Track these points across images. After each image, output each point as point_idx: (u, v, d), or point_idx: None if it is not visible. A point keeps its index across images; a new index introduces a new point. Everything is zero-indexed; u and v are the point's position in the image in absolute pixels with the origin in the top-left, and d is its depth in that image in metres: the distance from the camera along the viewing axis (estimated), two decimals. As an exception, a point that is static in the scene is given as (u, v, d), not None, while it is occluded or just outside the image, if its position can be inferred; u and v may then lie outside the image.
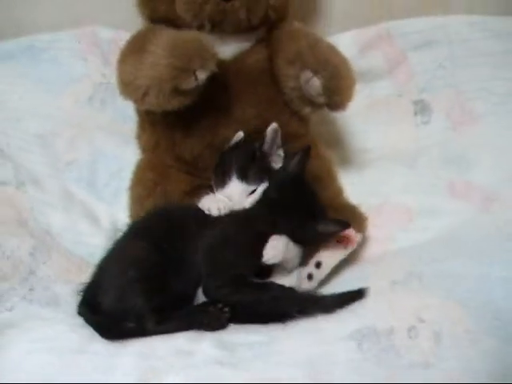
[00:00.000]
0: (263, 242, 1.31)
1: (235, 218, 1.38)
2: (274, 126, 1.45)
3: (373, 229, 1.56)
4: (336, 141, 1.81)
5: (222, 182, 1.43)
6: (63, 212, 1.60)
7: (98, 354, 1.14)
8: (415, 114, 1.82)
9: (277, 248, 1.30)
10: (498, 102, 1.75)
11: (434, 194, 1.65)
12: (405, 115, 1.83)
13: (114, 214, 1.65)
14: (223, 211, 1.38)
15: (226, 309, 1.25)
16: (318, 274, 1.38)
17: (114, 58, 1.63)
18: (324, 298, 1.28)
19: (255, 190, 1.42)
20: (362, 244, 1.53)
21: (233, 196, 1.41)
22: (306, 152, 1.40)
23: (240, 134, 1.47)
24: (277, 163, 1.47)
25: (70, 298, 1.33)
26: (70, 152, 1.69)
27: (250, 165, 1.43)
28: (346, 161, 1.77)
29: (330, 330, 1.17)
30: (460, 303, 1.18)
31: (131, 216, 1.56)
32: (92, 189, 1.68)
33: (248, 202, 1.41)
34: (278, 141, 1.47)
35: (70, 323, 1.24)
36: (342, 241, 1.39)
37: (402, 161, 1.74)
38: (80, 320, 1.26)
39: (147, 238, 1.32)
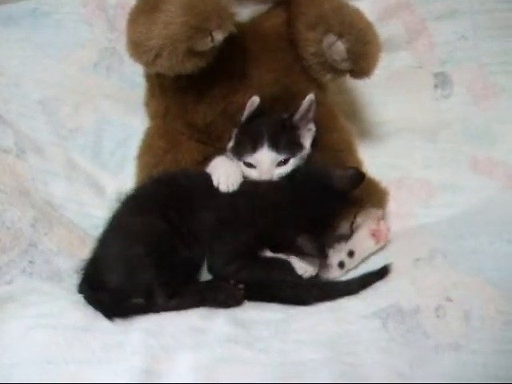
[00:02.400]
0: (273, 216, 1.26)
1: (246, 188, 1.32)
2: (311, 96, 1.38)
3: (392, 204, 1.52)
4: (353, 112, 1.75)
5: (250, 148, 1.36)
6: (66, 182, 1.55)
7: (105, 331, 1.07)
8: (435, 86, 1.76)
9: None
10: (522, 76, 1.69)
11: (456, 169, 1.61)
12: (424, 87, 1.77)
13: (120, 184, 1.59)
14: (232, 188, 1.31)
15: (241, 285, 1.19)
16: (349, 263, 1.31)
17: (121, 23, 1.60)
18: (348, 282, 1.23)
19: (286, 162, 1.36)
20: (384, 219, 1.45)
21: (263, 164, 1.35)
22: (359, 178, 1.32)
23: (256, 100, 1.38)
24: (306, 138, 1.41)
25: (73, 273, 1.27)
26: (75, 119, 1.64)
27: (281, 134, 1.37)
28: (364, 133, 1.70)
29: (351, 308, 1.11)
30: (490, 282, 1.12)
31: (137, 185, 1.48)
32: (97, 158, 1.62)
33: (277, 172, 1.35)
34: (311, 114, 1.40)
35: (73, 299, 1.17)
36: (375, 235, 1.33)
37: (422, 134, 1.69)
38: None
39: (152, 207, 1.25)
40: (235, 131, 1.42)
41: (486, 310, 1.06)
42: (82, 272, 1.24)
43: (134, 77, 1.67)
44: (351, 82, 1.72)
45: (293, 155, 1.36)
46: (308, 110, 1.39)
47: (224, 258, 1.24)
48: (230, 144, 1.42)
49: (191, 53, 1.30)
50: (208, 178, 1.32)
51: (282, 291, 1.20)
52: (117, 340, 1.04)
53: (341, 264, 1.31)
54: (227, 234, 1.26)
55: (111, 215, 1.30)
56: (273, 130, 1.36)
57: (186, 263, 1.21)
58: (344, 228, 1.39)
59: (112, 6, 1.77)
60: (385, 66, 1.68)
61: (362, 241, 1.33)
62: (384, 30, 1.68)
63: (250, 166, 1.37)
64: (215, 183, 1.31)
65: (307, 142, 1.41)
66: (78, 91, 1.67)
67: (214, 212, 1.27)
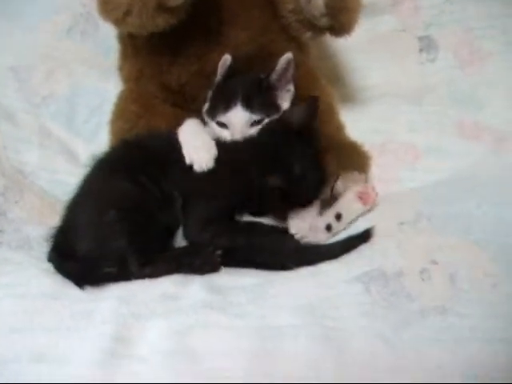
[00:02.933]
0: (245, 177, 1.22)
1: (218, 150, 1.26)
2: (288, 55, 1.33)
3: (376, 168, 1.48)
4: (336, 77, 1.71)
5: (223, 107, 1.31)
6: (38, 149, 1.51)
7: (74, 299, 1.03)
8: (420, 50, 1.74)
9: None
10: (508, 41, 1.68)
11: (441, 133, 1.58)
12: (409, 51, 1.74)
13: (94, 151, 1.44)
14: (207, 167, 1.23)
15: (219, 251, 1.14)
16: (336, 226, 1.26)
17: None
18: (330, 246, 1.18)
19: (260, 122, 1.31)
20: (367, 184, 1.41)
21: (235, 123, 1.30)
22: (314, 104, 1.27)
23: (228, 58, 1.33)
24: (284, 100, 1.37)
25: (43, 241, 1.22)
26: (47, 86, 1.60)
27: (256, 94, 1.32)
28: (347, 98, 1.67)
29: (333, 272, 1.07)
30: (477, 244, 1.10)
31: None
32: (70, 124, 1.58)
33: (250, 133, 1.30)
34: (289, 74, 1.36)
35: (43, 268, 1.13)
36: (362, 197, 1.29)
37: (406, 98, 1.65)
38: None
39: (124, 171, 1.20)
40: (210, 92, 1.37)
41: (473, 272, 1.03)
42: (52, 240, 1.19)
43: (109, 42, 1.61)
44: (333, 46, 1.71)
45: (267, 116, 1.32)
46: (286, 70, 1.34)
47: (199, 223, 1.20)
48: (205, 106, 1.37)
49: (162, 8, 1.26)
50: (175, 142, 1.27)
51: (260, 256, 1.16)
52: (87, 308, 1.00)
53: (328, 227, 1.26)
54: (200, 198, 1.21)
55: (81, 180, 1.25)
56: (248, 90, 1.32)
57: (159, 229, 1.17)
58: (324, 192, 1.34)
59: None
60: (368, 29, 1.71)
61: (349, 203, 1.29)
62: None
63: (222, 125, 1.32)
64: (188, 162, 1.24)
65: (285, 103, 1.36)
66: (51, 57, 1.64)
67: (186, 177, 1.22)
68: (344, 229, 1.26)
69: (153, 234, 1.15)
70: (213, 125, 1.33)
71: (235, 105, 1.30)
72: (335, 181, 1.36)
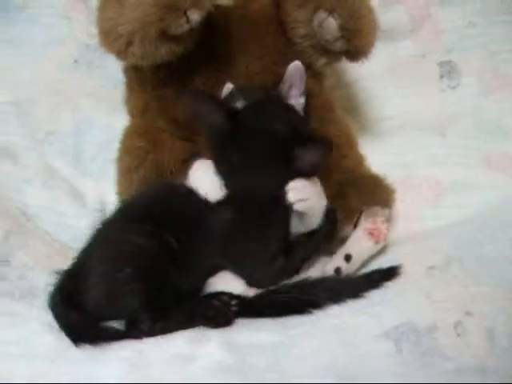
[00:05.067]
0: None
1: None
2: (296, 63, 1.28)
3: (398, 204, 1.42)
4: (354, 107, 1.66)
5: None
6: (43, 190, 1.47)
7: (76, 362, 0.97)
8: (441, 77, 1.67)
9: (302, 189, 1.14)
10: (535, 64, 1.62)
11: (467, 166, 1.52)
12: (429, 78, 1.67)
13: (103, 191, 1.51)
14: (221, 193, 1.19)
15: (233, 301, 1.09)
16: (347, 269, 1.21)
17: None
18: (352, 279, 1.15)
19: None
20: (389, 222, 1.38)
21: None
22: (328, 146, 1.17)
23: (229, 86, 1.29)
24: None
25: (49, 290, 1.15)
26: (52, 121, 1.56)
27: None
28: (366, 129, 1.61)
29: (359, 327, 1.00)
30: None
31: (119, 191, 1.41)
32: (77, 163, 1.54)
33: None
34: (301, 84, 1.29)
35: (46, 322, 1.07)
36: (373, 234, 1.24)
37: (428, 129, 1.59)
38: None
39: (143, 224, 1.13)
40: None
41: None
42: (58, 283, 1.14)
43: (117, 74, 1.55)
44: (351, 75, 1.66)
45: None
46: (296, 79, 1.28)
47: (262, 266, 1.16)
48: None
49: (165, 37, 1.22)
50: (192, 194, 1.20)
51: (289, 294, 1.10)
52: (91, 374, 0.94)
53: (337, 270, 1.21)
54: (252, 246, 1.16)
55: (99, 226, 1.19)
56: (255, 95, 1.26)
57: (175, 287, 1.10)
58: (347, 230, 1.30)
59: None
60: (386, 56, 1.66)
61: (358, 242, 1.24)
62: (386, 18, 1.62)
63: None
64: (201, 192, 1.18)
65: None
66: (56, 91, 1.60)
67: (223, 229, 1.16)
68: (355, 272, 1.21)
69: (167, 292, 1.09)
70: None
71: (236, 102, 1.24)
72: (358, 217, 1.31)
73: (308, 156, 1.14)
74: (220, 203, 1.17)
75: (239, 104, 1.21)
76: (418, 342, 0.95)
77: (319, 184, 1.20)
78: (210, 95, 1.19)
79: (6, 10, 1.65)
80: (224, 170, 1.18)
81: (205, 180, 1.21)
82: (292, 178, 1.16)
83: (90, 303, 1.09)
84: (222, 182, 1.18)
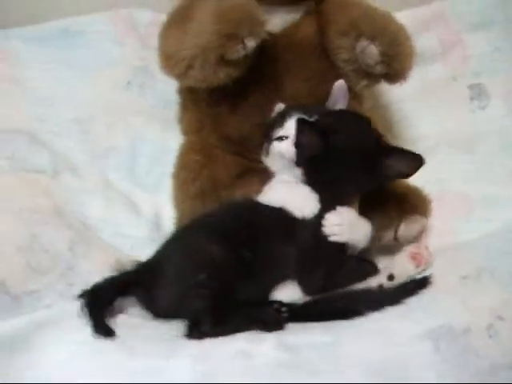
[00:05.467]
0: None
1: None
2: (341, 82, 1.39)
3: (433, 219, 1.49)
4: (389, 127, 1.74)
5: (279, 125, 1.35)
6: (102, 201, 1.55)
7: (149, 355, 1.05)
8: (471, 98, 1.76)
9: (340, 221, 1.23)
10: (558, 87, 1.68)
11: (495, 182, 1.59)
12: (460, 100, 1.77)
13: (157, 203, 1.60)
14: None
15: (284, 308, 1.17)
16: (388, 285, 1.28)
17: (153, 41, 1.59)
18: (389, 290, 1.22)
19: None
20: (424, 233, 1.48)
21: (293, 130, 1.29)
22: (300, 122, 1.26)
23: (281, 106, 1.39)
24: None
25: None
26: (109, 138, 1.64)
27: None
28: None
29: (401, 329, 1.07)
30: None
31: (175, 204, 1.51)
32: (132, 176, 1.62)
33: None
34: (345, 100, 1.40)
35: (118, 323, 1.15)
36: (416, 258, 1.31)
37: (459, 148, 1.68)
38: (127, 320, 1.19)
39: (222, 236, 1.21)
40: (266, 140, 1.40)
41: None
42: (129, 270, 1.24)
43: (166, 95, 1.66)
44: (387, 96, 1.74)
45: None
46: (340, 96, 1.38)
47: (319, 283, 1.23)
48: (264, 157, 1.40)
49: (223, 62, 1.31)
50: (277, 211, 1.28)
51: (333, 302, 1.19)
52: (162, 366, 1.02)
53: (380, 287, 1.28)
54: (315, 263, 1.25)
55: (178, 232, 1.31)
56: (306, 108, 1.35)
57: (242, 297, 1.19)
58: (388, 236, 1.40)
59: (144, 23, 1.78)
60: (419, 78, 1.73)
61: (402, 264, 1.30)
62: (418, 43, 1.62)
63: (280, 139, 1.34)
64: (296, 211, 1.27)
65: None
66: (112, 110, 1.67)
67: (295, 245, 1.24)
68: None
69: (232, 300, 1.17)
70: (272, 146, 1.35)
71: (290, 116, 1.34)
72: (398, 225, 1.40)
73: (397, 165, 1.25)
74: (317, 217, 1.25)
75: (313, 119, 1.29)
76: (455, 342, 1.02)
77: (354, 213, 1.28)
78: (309, 124, 1.26)
79: (66, 35, 1.71)
80: (321, 187, 1.27)
81: (294, 197, 1.29)
82: (379, 184, 1.29)
83: (162, 300, 1.18)
84: (318, 198, 1.26)
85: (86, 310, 1.14)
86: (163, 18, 1.56)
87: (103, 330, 1.10)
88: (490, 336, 1.04)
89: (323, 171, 1.27)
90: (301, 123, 1.25)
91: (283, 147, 1.32)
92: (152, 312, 1.21)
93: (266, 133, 1.39)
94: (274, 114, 1.39)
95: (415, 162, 1.24)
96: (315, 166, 1.27)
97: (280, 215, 1.26)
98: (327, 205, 1.25)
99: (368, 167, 1.26)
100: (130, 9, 1.79)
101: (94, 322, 1.12)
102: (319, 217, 1.24)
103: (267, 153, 1.38)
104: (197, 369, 1.00)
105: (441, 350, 1.01)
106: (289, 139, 1.32)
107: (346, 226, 1.23)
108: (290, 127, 1.31)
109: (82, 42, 1.73)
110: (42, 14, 1.76)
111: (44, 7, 1.78)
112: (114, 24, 1.76)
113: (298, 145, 1.26)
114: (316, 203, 1.26)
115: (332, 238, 1.22)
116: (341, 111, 1.37)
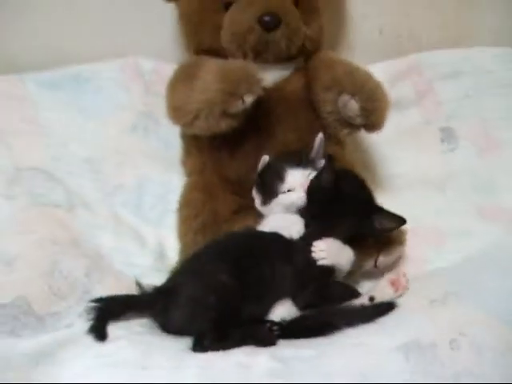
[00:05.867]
0: None
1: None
2: (320, 135, 1.55)
3: (408, 250, 1.63)
4: (369, 167, 1.87)
5: (279, 180, 1.49)
6: (112, 234, 1.64)
7: (160, 368, 1.18)
8: (442, 140, 1.90)
9: (326, 248, 1.38)
10: (521, 129, 1.83)
11: (464, 217, 1.72)
12: (432, 142, 1.91)
13: (161, 235, 1.70)
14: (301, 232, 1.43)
15: (275, 327, 1.32)
16: None
17: (155, 87, 1.79)
18: (364, 308, 1.38)
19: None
20: (400, 262, 1.62)
21: (297, 180, 1.48)
22: (329, 159, 1.46)
23: (266, 158, 1.53)
24: None
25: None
26: (117, 177, 1.74)
27: (303, 157, 1.53)
28: (379, 185, 1.81)
29: (377, 343, 1.21)
30: (502, 321, 1.26)
31: (179, 236, 1.63)
32: (139, 212, 1.72)
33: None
34: (322, 150, 1.56)
35: (130, 339, 1.27)
36: (394, 284, 1.43)
37: (432, 186, 1.81)
38: (139, 336, 1.30)
39: (231, 262, 1.35)
40: (254, 188, 1.57)
41: (498, 344, 1.20)
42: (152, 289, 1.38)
43: (168, 138, 1.79)
44: (366, 140, 1.87)
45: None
46: (320, 147, 1.55)
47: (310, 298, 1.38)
48: (257, 201, 1.56)
49: (225, 114, 1.47)
50: (274, 236, 1.44)
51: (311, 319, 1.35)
52: (173, 377, 1.15)
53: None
54: (307, 281, 1.39)
55: (191, 258, 1.44)
56: (292, 160, 1.51)
57: (244, 316, 1.33)
58: (369, 265, 1.55)
59: (148, 71, 1.89)
60: (396, 123, 1.85)
61: (382, 289, 1.43)
62: (395, 91, 1.85)
63: (285, 193, 1.49)
64: (287, 234, 1.43)
65: None
66: (120, 151, 1.77)
67: (291, 266, 1.39)
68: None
69: (235, 320, 1.31)
70: (279, 200, 1.50)
71: (286, 170, 1.49)
72: (377, 255, 1.55)
73: (384, 222, 1.43)
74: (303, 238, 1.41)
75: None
76: (423, 354, 1.16)
77: (339, 242, 1.41)
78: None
79: (77, 81, 1.81)
80: (316, 224, 1.44)
81: (287, 224, 1.45)
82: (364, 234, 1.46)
83: (174, 318, 1.32)
84: (306, 224, 1.43)
85: (93, 311, 1.29)
86: (164, 65, 1.77)
87: (98, 332, 1.25)
88: (452, 349, 1.18)
89: (323, 215, 1.44)
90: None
91: (294, 197, 1.49)
92: (165, 329, 1.34)
93: (259, 186, 1.56)
94: (260, 166, 1.53)
95: (399, 222, 1.44)
96: (317, 211, 1.45)
97: (277, 239, 1.43)
98: (317, 236, 1.42)
99: (361, 218, 1.44)
100: (136, 57, 1.91)
101: (95, 323, 1.28)
102: (309, 243, 1.39)
103: (265, 203, 1.54)
104: (202, 377, 1.15)
105: (410, 361, 1.17)
106: (297, 190, 1.48)
107: (331, 251, 1.39)
108: (292, 181, 1.49)
109: (92, 88, 1.82)
110: (56, 60, 1.85)
111: (57, 54, 1.88)
112: (122, 71, 1.85)
113: (317, 181, 1.45)
114: (301, 226, 1.43)
115: (320, 262, 1.38)
116: (343, 170, 1.51)
